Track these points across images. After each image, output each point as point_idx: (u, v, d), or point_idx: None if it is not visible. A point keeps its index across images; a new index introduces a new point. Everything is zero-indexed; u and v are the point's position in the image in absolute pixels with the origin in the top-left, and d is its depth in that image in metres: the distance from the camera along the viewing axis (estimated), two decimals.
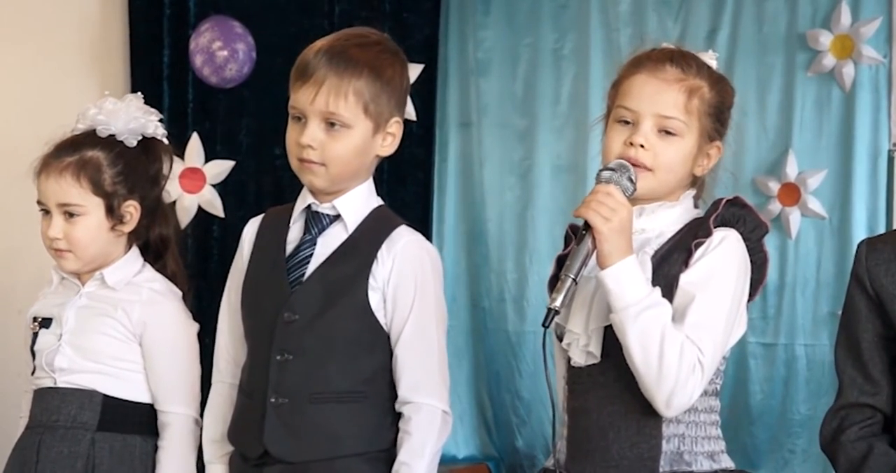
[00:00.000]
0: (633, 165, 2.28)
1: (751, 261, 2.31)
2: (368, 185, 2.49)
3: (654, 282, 2.23)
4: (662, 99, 2.30)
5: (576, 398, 2.34)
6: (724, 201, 2.33)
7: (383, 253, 2.41)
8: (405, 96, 2.48)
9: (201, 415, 2.67)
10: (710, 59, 2.40)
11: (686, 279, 2.24)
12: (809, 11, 4.33)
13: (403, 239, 2.44)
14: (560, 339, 2.36)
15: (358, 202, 2.46)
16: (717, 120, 2.35)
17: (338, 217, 2.46)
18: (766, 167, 4.36)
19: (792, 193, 4.30)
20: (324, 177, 2.42)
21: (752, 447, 4.36)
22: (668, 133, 2.30)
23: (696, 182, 2.39)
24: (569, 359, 2.34)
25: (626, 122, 2.32)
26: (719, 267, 2.25)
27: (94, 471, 2.62)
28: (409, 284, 2.41)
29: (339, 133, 2.39)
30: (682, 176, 2.34)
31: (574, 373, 2.33)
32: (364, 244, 2.43)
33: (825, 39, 4.27)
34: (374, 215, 2.47)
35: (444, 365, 2.45)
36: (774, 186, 4.32)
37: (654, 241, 2.31)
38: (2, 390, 3.73)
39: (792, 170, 4.31)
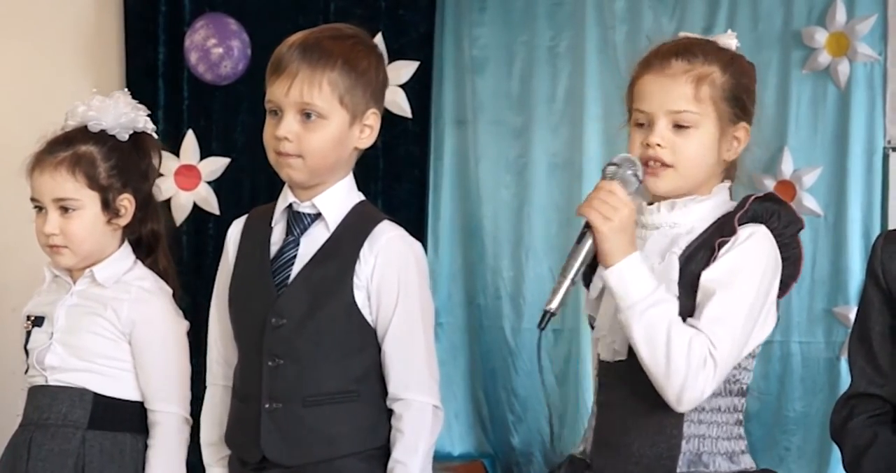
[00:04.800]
0: (655, 163, 2.26)
1: (784, 257, 2.27)
2: (348, 181, 2.47)
3: (680, 281, 2.22)
4: (670, 95, 2.28)
5: (604, 392, 2.33)
6: (752, 197, 2.29)
7: (365, 250, 2.39)
8: (382, 89, 2.46)
9: (192, 413, 2.68)
10: (729, 39, 2.36)
11: (707, 276, 2.22)
12: (805, 9, 4.32)
13: (385, 235, 2.41)
14: (593, 328, 2.36)
15: (338, 199, 2.44)
16: (735, 103, 2.30)
17: (319, 215, 2.43)
18: (761, 164, 4.34)
19: (787, 191, 4.29)
20: (302, 169, 2.39)
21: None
22: (683, 127, 2.28)
23: (730, 168, 2.36)
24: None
25: (643, 124, 2.31)
26: (743, 264, 2.21)
27: (85, 469, 2.62)
28: (392, 281, 2.39)
29: (315, 124, 2.37)
30: (709, 165, 2.31)
31: (604, 367, 2.33)
32: (346, 242, 2.41)
33: (820, 37, 4.26)
34: (355, 211, 2.45)
35: (433, 360, 2.44)
36: (770, 183, 4.31)
37: (683, 238, 2.28)
38: None
39: (787, 168, 4.30)
